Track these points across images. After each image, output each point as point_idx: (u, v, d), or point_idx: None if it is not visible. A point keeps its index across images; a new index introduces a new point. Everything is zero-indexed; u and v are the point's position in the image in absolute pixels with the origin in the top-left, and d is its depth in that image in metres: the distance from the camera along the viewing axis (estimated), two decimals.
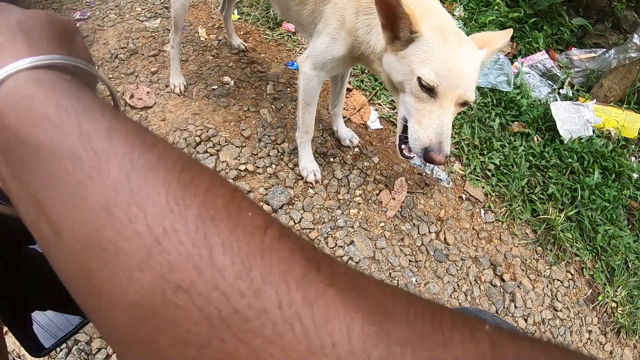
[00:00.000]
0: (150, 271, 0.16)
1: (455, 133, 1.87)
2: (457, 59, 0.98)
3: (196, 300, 0.15)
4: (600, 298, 1.66)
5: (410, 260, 1.50)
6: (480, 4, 2.20)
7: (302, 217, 1.51)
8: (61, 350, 1.30)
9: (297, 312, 0.15)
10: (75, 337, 1.31)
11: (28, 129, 0.18)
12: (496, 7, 2.14)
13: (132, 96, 1.79)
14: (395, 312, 0.16)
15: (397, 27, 0.98)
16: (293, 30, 2.14)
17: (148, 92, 1.81)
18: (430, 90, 0.98)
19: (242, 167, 1.59)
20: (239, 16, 2.16)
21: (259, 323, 0.15)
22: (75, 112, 0.19)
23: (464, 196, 1.72)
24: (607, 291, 1.66)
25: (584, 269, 1.71)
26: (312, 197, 1.56)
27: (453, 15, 2.23)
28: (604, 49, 2.05)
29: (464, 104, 1.05)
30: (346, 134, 1.71)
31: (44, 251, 0.19)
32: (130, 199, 0.17)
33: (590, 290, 1.68)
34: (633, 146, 2.03)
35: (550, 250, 1.70)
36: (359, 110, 1.88)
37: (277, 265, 0.16)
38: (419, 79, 0.98)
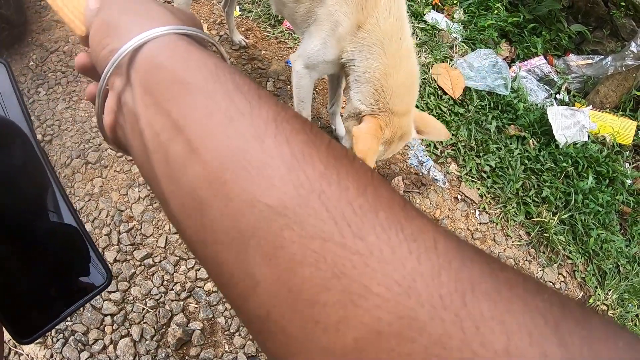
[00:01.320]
0: (288, 185, 0.18)
1: (452, 135, 1.89)
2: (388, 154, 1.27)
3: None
4: (591, 301, 1.68)
5: None
6: (481, 7, 2.22)
7: None
8: (58, 340, 1.31)
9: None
10: (72, 327, 1.32)
11: (189, 73, 0.22)
12: (496, 12, 2.16)
13: None
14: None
15: None
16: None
17: None
18: None
19: None
20: (240, 12, 2.17)
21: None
22: (227, 67, 0.23)
23: (459, 197, 1.74)
24: (599, 294, 1.69)
25: (576, 272, 1.74)
26: None
27: (453, 19, 2.25)
28: (602, 56, 2.07)
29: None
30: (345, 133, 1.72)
31: (161, 169, 0.22)
32: (270, 139, 0.20)
33: (582, 293, 1.71)
34: (627, 152, 2.06)
35: (543, 253, 1.72)
36: None
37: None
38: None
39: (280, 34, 2.13)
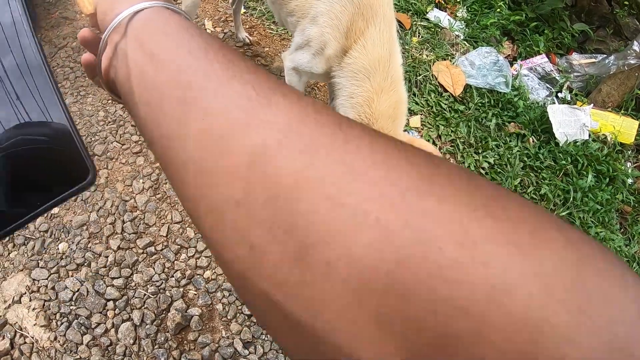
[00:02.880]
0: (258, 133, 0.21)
1: (452, 131, 1.91)
2: None
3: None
4: None
5: None
6: (483, 6, 2.23)
7: None
8: (62, 324, 1.36)
9: None
10: (76, 311, 1.37)
11: (168, 27, 0.30)
12: (498, 10, 2.17)
13: None
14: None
15: None
16: None
17: None
18: None
19: None
20: (244, 10, 2.21)
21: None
22: (194, 25, 0.30)
23: None
24: None
25: None
26: None
27: (456, 17, 2.26)
28: (604, 55, 2.07)
29: None
30: None
31: (138, 84, 0.28)
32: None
33: None
34: (629, 152, 2.05)
35: None
36: None
37: None
38: None
39: (283, 32, 2.16)
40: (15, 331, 1.37)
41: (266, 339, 1.34)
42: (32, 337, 1.35)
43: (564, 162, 1.87)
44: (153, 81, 0.27)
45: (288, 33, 2.16)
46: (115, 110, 1.78)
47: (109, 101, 1.81)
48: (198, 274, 1.41)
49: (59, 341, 1.35)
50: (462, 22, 2.19)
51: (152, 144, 0.27)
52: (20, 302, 1.40)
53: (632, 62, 1.93)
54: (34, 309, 1.39)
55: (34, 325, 1.37)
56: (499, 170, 1.85)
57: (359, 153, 0.19)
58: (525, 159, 1.89)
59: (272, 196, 0.19)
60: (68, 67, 1.94)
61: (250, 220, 0.20)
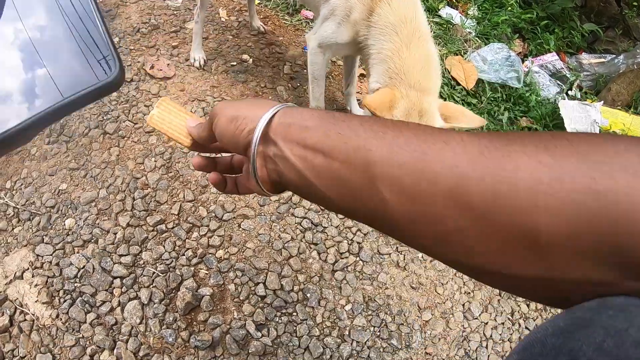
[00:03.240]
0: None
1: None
2: None
3: None
4: None
5: None
6: (494, 4, 2.26)
7: None
8: (65, 301, 1.30)
9: None
10: (81, 289, 1.31)
11: (306, 121, 0.35)
12: (509, 8, 2.20)
13: (152, 67, 1.83)
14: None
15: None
16: (311, 17, 2.19)
17: (168, 64, 1.85)
18: None
19: None
20: (258, 1, 2.22)
21: None
22: (323, 110, 0.38)
23: None
24: None
25: None
26: None
27: (467, 15, 2.29)
28: (614, 55, 2.10)
29: None
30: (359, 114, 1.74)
31: (314, 176, 0.34)
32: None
33: None
34: None
35: None
36: None
37: None
38: None
39: (297, 22, 2.17)
40: (16, 307, 1.30)
41: (280, 321, 1.29)
42: (33, 314, 1.29)
43: None
44: (330, 171, 0.33)
45: (302, 24, 2.17)
46: (129, 91, 1.75)
47: None
48: (210, 253, 1.37)
49: (61, 319, 1.28)
50: (474, 19, 2.22)
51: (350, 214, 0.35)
52: (22, 278, 1.34)
53: None
54: (36, 285, 1.33)
55: (36, 302, 1.31)
56: None
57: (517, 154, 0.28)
58: None
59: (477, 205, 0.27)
60: None
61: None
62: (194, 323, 1.28)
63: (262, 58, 1.95)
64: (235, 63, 1.89)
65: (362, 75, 1.96)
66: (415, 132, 0.30)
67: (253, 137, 0.36)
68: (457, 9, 2.29)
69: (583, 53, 2.16)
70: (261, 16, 2.16)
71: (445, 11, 2.24)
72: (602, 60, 2.09)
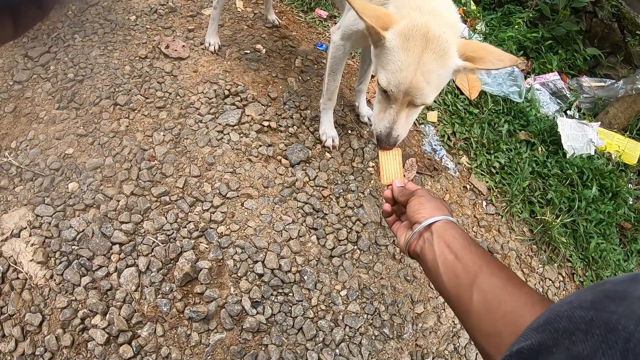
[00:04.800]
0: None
1: (466, 130, 1.96)
2: (411, 67, 0.96)
3: None
4: None
5: None
6: (502, 22, 2.35)
7: (317, 176, 1.55)
8: (60, 262, 1.30)
9: None
10: (78, 252, 1.30)
11: (456, 237, 0.60)
12: (516, 26, 2.29)
13: (167, 46, 1.86)
14: None
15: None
16: (325, 17, 2.25)
17: (183, 46, 1.88)
18: (384, 91, 1.03)
19: (266, 123, 1.65)
20: None
21: None
22: (472, 240, 0.60)
23: (468, 186, 1.79)
24: None
25: (575, 275, 1.76)
26: (329, 160, 1.61)
27: (475, 30, 2.37)
28: (614, 80, 2.18)
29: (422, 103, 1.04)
30: (366, 112, 1.78)
31: (442, 269, 0.59)
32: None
33: None
34: (631, 174, 2.13)
35: (545, 251, 1.75)
36: None
37: None
38: (377, 80, 1.04)
39: (311, 20, 2.23)
40: (9, 265, 1.29)
41: (276, 300, 1.30)
42: (27, 273, 1.28)
43: (570, 171, 1.93)
44: (453, 266, 0.55)
45: (315, 22, 2.23)
46: (142, 67, 1.77)
47: (137, 57, 1.81)
48: (212, 228, 1.38)
49: (54, 280, 1.28)
50: (481, 34, 2.30)
51: (447, 294, 0.56)
52: (19, 237, 1.33)
53: None
54: (32, 244, 1.32)
55: (31, 261, 1.30)
56: (509, 171, 1.89)
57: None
58: (534, 165, 1.95)
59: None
60: (97, 23, 1.95)
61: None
62: (190, 295, 1.28)
63: (275, 50, 1.99)
64: (248, 51, 1.93)
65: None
66: (509, 273, 0.52)
67: (424, 222, 0.63)
68: (465, 24, 2.37)
69: (584, 76, 2.25)
70: (276, 11, 2.21)
71: None
72: (602, 84, 2.18)
